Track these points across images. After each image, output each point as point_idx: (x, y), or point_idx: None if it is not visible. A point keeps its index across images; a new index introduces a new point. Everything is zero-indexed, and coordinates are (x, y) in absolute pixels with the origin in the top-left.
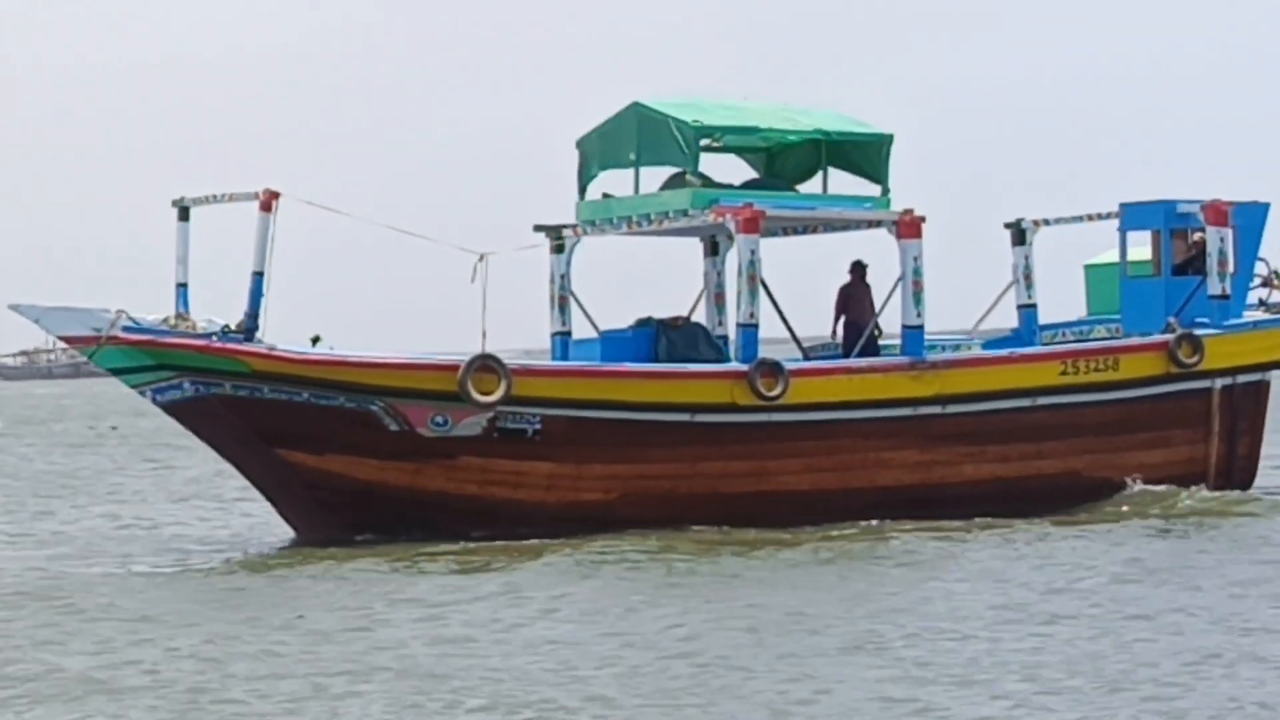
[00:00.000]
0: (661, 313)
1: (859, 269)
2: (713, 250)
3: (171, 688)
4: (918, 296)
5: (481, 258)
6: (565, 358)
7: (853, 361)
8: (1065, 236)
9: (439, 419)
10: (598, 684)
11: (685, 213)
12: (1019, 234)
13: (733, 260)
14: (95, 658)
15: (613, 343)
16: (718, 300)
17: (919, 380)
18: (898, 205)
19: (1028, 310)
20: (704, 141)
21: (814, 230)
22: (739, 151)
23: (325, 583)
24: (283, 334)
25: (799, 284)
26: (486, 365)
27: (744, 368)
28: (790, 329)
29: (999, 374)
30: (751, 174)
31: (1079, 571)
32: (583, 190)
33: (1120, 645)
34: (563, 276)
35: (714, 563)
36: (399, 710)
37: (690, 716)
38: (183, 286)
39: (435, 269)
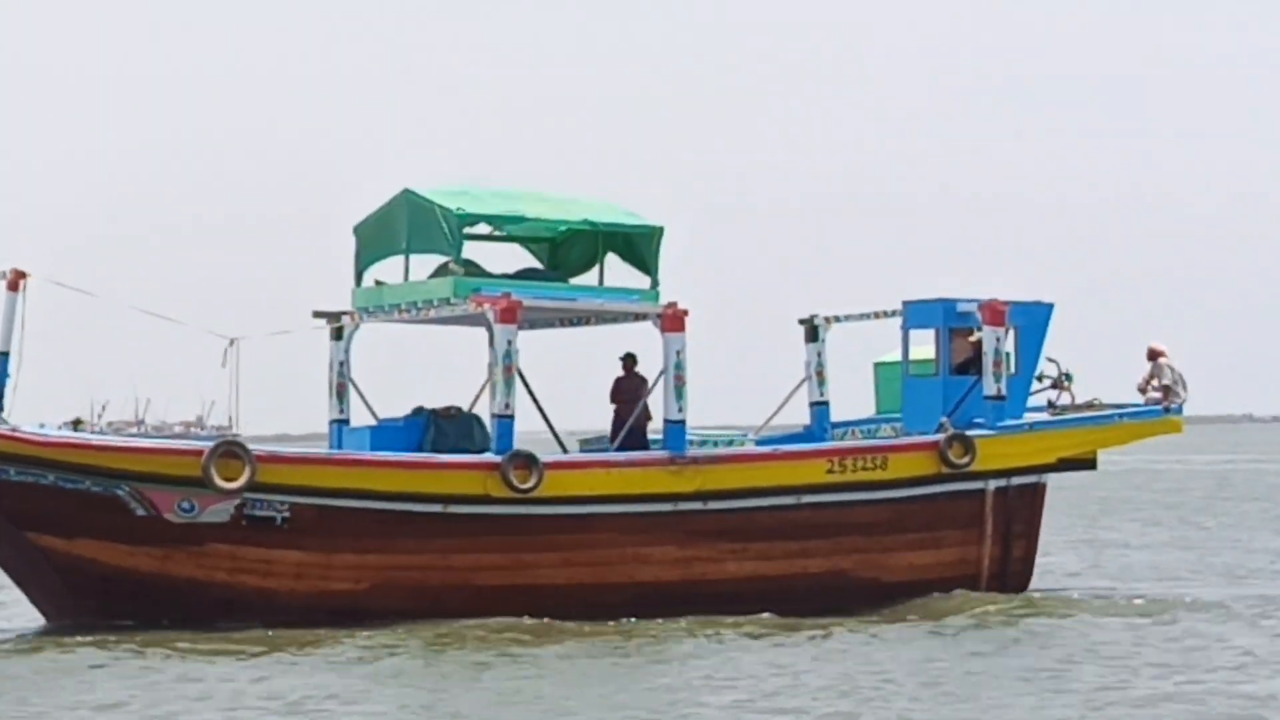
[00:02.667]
0: (451, 402)
1: (629, 360)
2: None
3: None
4: (680, 390)
5: (232, 342)
6: (341, 445)
7: (610, 455)
8: (861, 333)
9: (185, 504)
10: None
11: (448, 301)
12: (812, 330)
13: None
14: None
15: (384, 432)
16: None
17: (679, 475)
18: (672, 297)
19: (820, 407)
20: (482, 229)
21: (589, 322)
22: (523, 241)
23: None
24: (50, 414)
25: (579, 376)
26: (231, 451)
27: (497, 459)
28: (549, 421)
29: (762, 470)
30: (536, 264)
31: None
32: (359, 276)
33: None
34: (341, 363)
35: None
36: None
37: None
38: None
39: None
